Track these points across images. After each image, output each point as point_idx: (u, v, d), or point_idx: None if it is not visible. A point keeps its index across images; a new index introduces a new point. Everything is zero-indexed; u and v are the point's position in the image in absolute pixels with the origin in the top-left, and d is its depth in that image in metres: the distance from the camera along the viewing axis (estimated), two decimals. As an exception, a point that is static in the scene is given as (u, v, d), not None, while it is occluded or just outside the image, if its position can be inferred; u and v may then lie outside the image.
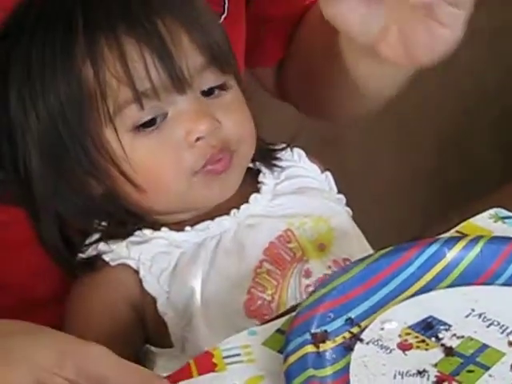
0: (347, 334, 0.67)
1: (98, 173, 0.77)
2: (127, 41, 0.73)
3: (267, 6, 1.00)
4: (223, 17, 0.91)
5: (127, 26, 0.73)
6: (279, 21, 1.02)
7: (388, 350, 0.66)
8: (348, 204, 0.91)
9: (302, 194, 0.88)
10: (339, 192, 0.92)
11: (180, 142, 0.76)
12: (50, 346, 0.59)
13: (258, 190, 0.86)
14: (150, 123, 0.75)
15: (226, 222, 0.82)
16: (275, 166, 0.88)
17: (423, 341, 0.67)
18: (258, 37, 1.02)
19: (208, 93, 0.79)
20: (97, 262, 0.81)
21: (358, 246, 0.87)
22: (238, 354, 0.67)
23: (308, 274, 0.82)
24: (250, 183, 0.86)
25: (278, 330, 0.69)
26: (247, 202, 0.84)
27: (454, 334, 0.67)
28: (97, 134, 0.75)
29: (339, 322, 0.68)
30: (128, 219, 0.82)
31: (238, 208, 0.83)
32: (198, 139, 0.76)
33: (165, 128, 0.76)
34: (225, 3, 0.90)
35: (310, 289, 0.81)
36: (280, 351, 0.65)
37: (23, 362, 0.57)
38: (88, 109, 0.74)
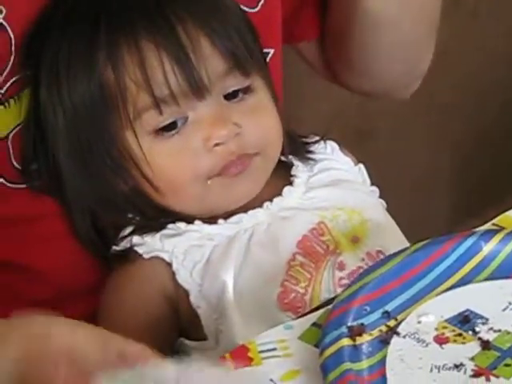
0: (384, 328, 0.67)
1: (121, 172, 0.78)
2: (147, 46, 0.74)
3: None
4: (257, 9, 0.90)
5: (147, 32, 0.74)
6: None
7: (424, 344, 0.66)
8: (382, 196, 0.91)
9: (335, 186, 0.88)
10: (373, 184, 0.92)
11: (199, 146, 0.76)
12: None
13: (291, 183, 0.86)
14: (171, 127, 0.76)
15: (259, 215, 0.82)
16: (308, 159, 0.88)
17: (460, 334, 0.67)
18: (297, 12, 1.00)
19: (232, 95, 0.79)
20: (130, 255, 0.81)
21: (393, 238, 0.87)
22: (274, 349, 0.67)
23: (342, 267, 0.82)
24: (284, 176, 0.87)
25: (314, 324, 0.69)
26: (280, 194, 0.84)
27: (491, 328, 0.67)
28: (118, 136, 0.76)
29: (376, 316, 0.68)
30: (158, 214, 0.82)
31: (271, 201, 0.83)
32: (216, 144, 0.76)
33: (185, 132, 0.76)
34: None
35: (344, 281, 0.81)
36: (316, 345, 0.65)
37: None
38: (109, 111, 0.75)
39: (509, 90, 1.97)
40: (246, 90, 0.80)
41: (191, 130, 0.76)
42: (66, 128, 0.76)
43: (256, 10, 0.89)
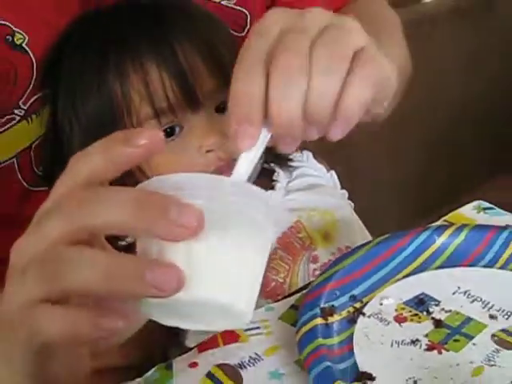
0: (351, 309, 0.67)
1: (127, 175, 0.77)
2: (150, 66, 0.73)
3: None
4: (243, 34, 0.89)
5: (151, 54, 0.73)
6: None
7: (386, 323, 0.66)
8: (351, 198, 0.91)
9: (310, 190, 0.88)
10: (345, 188, 0.92)
11: (193, 152, 0.75)
12: None
13: (272, 187, 0.85)
14: (169, 133, 0.75)
15: None
16: (288, 166, 0.88)
17: (416, 314, 0.67)
18: None
19: (222, 108, 0.77)
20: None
21: (360, 235, 0.87)
22: (258, 328, 0.67)
23: (315, 260, 0.82)
24: (266, 182, 0.86)
25: (292, 306, 0.69)
26: None
27: (443, 309, 0.67)
28: None
29: (344, 299, 0.68)
30: None
31: None
32: (208, 151, 0.75)
33: (180, 139, 0.75)
34: (246, 18, 0.90)
35: (317, 272, 0.81)
36: (294, 324, 0.65)
37: None
38: (117, 120, 0.74)
39: (456, 105, 1.98)
40: None
41: (185, 138, 0.75)
42: (79, 136, 0.75)
43: (242, 34, 0.89)
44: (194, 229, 0.41)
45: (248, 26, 0.89)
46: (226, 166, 0.76)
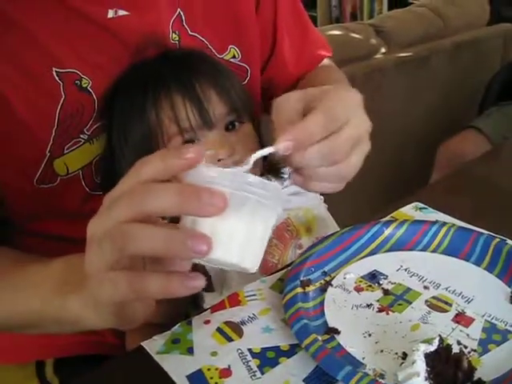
0: (323, 281, 0.67)
1: None
2: (176, 96, 0.73)
3: (271, 72, 0.97)
4: (247, 80, 0.89)
5: (177, 86, 0.73)
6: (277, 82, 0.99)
7: (348, 291, 0.66)
8: (324, 201, 0.90)
9: (297, 194, 0.86)
10: (320, 194, 0.91)
11: (208, 161, 0.74)
12: None
13: None
14: None
15: None
16: (280, 176, 0.87)
17: (370, 285, 0.66)
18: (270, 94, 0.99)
19: (231, 126, 0.77)
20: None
21: (331, 227, 0.85)
22: (255, 295, 0.66)
23: (300, 247, 0.81)
24: None
25: (279, 279, 0.68)
26: None
27: (390, 281, 0.67)
28: None
29: (318, 274, 0.67)
30: None
31: None
32: (219, 160, 0.74)
33: None
34: (247, 71, 0.89)
35: (302, 255, 0.80)
36: (280, 292, 0.64)
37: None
38: (153, 139, 0.73)
39: (399, 133, 1.98)
40: (239, 121, 0.78)
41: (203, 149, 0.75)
42: (129, 155, 0.75)
43: (244, 83, 0.88)
44: (219, 208, 0.44)
45: (248, 77, 0.89)
46: None
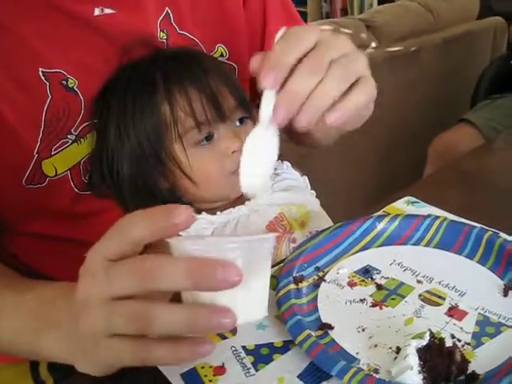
0: (316, 277, 0.67)
1: (166, 174, 0.76)
2: (191, 90, 0.73)
3: None
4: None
5: (191, 82, 0.73)
6: None
7: (341, 287, 0.65)
8: (317, 196, 0.90)
9: (290, 190, 0.86)
10: (312, 189, 0.91)
11: (222, 153, 0.75)
12: None
13: None
14: (206, 140, 0.74)
15: (242, 209, 0.81)
16: (274, 173, 0.87)
17: (363, 280, 0.66)
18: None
19: (241, 121, 0.77)
20: None
21: (325, 222, 0.85)
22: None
23: (294, 241, 0.80)
24: None
25: (272, 276, 0.67)
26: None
27: (383, 276, 0.67)
28: (168, 149, 0.74)
29: (311, 269, 0.67)
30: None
31: (249, 200, 0.81)
32: (233, 152, 0.74)
33: (213, 144, 0.75)
34: (235, 70, 0.88)
35: (295, 250, 0.79)
36: (274, 289, 0.64)
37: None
38: (164, 132, 0.73)
39: (395, 129, 1.98)
40: (248, 117, 0.79)
41: (217, 142, 0.75)
42: (129, 150, 0.74)
43: None
44: (234, 282, 0.42)
45: (236, 76, 0.88)
46: None
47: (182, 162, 0.74)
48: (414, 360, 0.51)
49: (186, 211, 0.44)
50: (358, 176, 1.96)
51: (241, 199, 0.81)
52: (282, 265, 0.67)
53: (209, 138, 0.75)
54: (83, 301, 0.46)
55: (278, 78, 0.51)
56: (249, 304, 0.46)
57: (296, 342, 0.55)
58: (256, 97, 0.83)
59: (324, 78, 0.52)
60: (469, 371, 0.52)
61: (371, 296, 0.63)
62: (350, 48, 0.56)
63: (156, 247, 0.48)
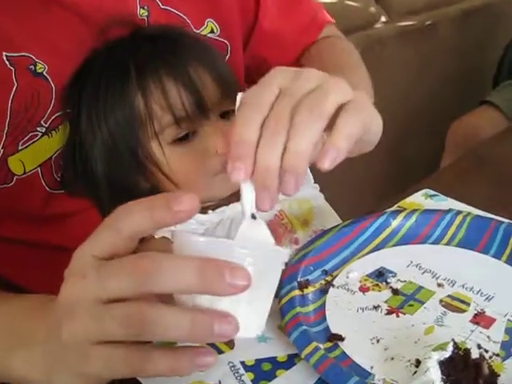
0: (323, 281, 0.67)
1: (146, 173, 0.76)
2: (167, 80, 0.72)
3: (262, 50, 0.97)
4: (227, 57, 0.88)
5: (167, 70, 0.72)
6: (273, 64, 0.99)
7: (352, 292, 0.65)
8: (321, 190, 0.90)
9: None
10: (316, 182, 0.91)
11: (205, 151, 0.74)
12: None
13: None
14: (185, 138, 0.74)
15: (236, 207, 0.80)
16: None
17: (377, 285, 0.66)
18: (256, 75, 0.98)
19: (225, 116, 0.76)
20: (146, 235, 0.79)
21: (331, 219, 0.85)
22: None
23: (296, 242, 0.80)
24: None
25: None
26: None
27: (399, 279, 0.67)
28: (145, 146, 0.74)
29: (317, 273, 0.67)
30: None
31: None
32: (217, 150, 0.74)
33: (195, 142, 0.74)
34: (228, 47, 0.88)
35: (298, 252, 0.80)
36: (276, 296, 0.63)
37: None
38: (139, 128, 0.73)
39: (403, 120, 1.99)
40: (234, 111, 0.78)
41: (199, 140, 0.74)
42: (102, 144, 0.73)
43: (226, 58, 0.88)
44: (243, 287, 0.42)
45: (229, 55, 0.88)
46: None
47: (159, 161, 0.74)
48: (435, 374, 0.51)
49: (189, 199, 0.43)
50: (368, 168, 1.96)
51: (236, 195, 0.81)
52: (284, 268, 0.66)
53: (189, 134, 0.74)
54: (68, 305, 0.45)
55: (247, 166, 0.48)
56: (249, 318, 0.46)
57: (302, 356, 0.55)
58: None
59: (290, 133, 0.49)
60: (498, 385, 0.52)
61: (386, 302, 0.63)
62: (317, 80, 0.52)
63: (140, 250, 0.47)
